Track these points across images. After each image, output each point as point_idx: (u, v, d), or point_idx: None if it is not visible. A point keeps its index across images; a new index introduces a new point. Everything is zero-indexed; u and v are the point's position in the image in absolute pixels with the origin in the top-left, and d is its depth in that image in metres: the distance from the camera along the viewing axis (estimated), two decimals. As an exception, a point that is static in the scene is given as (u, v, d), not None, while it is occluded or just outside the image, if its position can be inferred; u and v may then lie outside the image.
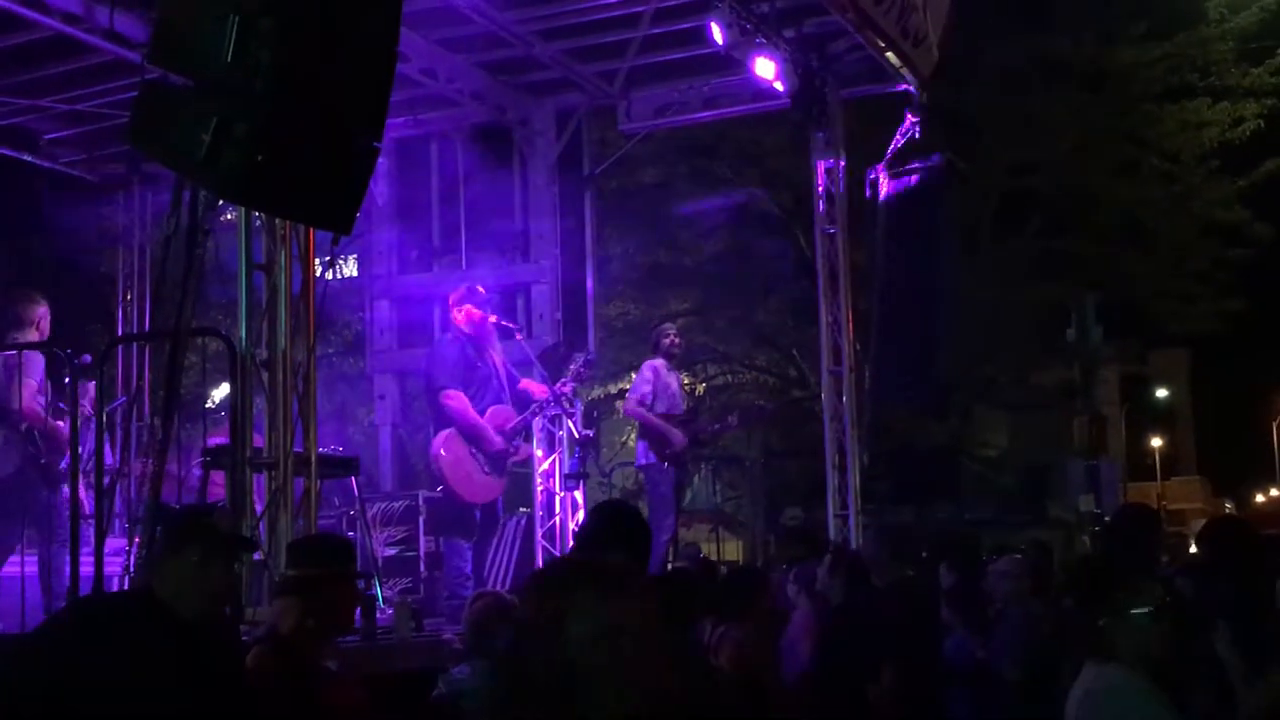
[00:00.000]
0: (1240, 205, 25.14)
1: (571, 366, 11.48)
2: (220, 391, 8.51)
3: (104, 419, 8.63)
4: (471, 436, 10.48)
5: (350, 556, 5.31)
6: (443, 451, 10.43)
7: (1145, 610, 3.96)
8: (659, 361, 12.06)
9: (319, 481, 7.71)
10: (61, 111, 12.76)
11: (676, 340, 12.41)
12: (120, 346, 12.22)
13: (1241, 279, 26.25)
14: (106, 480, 8.27)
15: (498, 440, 10.61)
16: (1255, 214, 25.24)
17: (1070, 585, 4.47)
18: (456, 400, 10.46)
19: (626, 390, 14.61)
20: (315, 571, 5.04)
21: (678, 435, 11.78)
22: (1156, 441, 52.99)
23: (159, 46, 5.89)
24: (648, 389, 11.88)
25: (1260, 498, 48.94)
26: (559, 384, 11.11)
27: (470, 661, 5.97)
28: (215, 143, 5.48)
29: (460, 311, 10.81)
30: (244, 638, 5.35)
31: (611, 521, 5.14)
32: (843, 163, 13.54)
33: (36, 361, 8.92)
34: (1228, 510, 41.71)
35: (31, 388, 8.83)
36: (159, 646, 4.19)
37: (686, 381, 13.92)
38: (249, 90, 5.50)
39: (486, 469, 10.57)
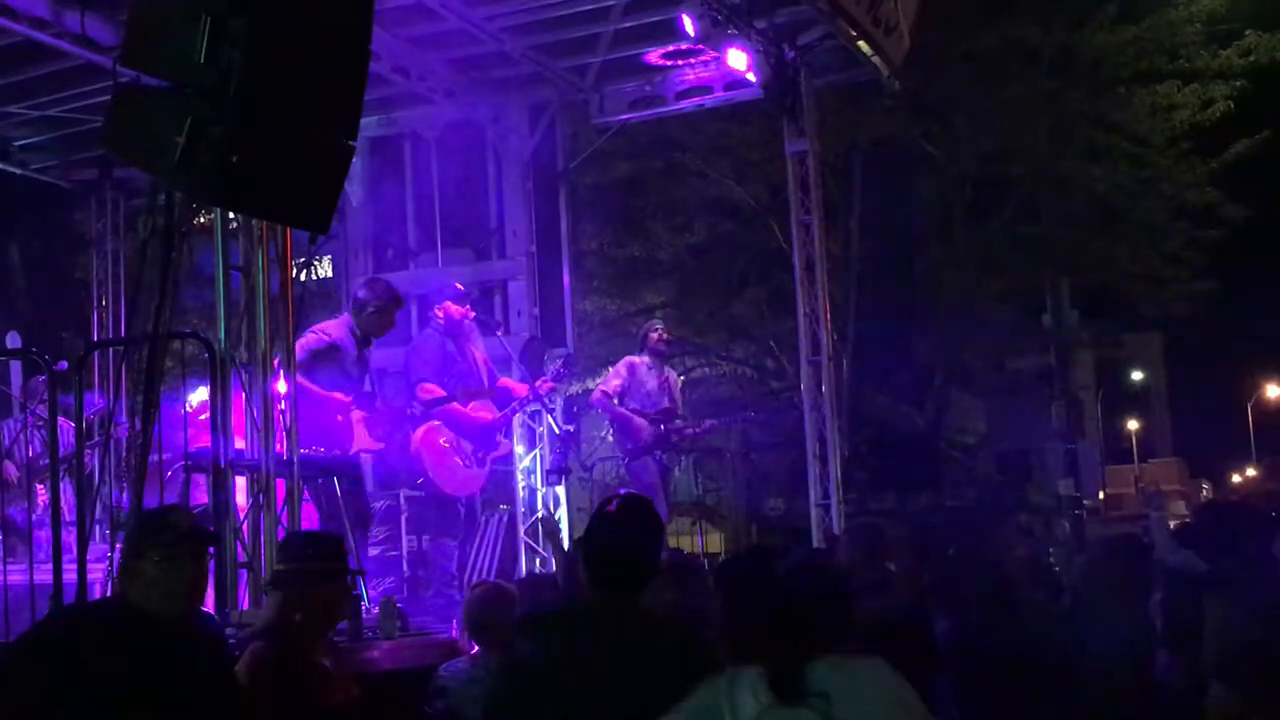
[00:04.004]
0: (1211, 187, 25.19)
1: (550, 367, 11.46)
2: (198, 395, 8.44)
3: (83, 425, 8.58)
4: (451, 423, 10.45)
5: (341, 553, 5.30)
6: (423, 443, 10.36)
7: None
8: (640, 359, 11.99)
9: (301, 483, 7.70)
10: (32, 118, 12.71)
11: (664, 338, 12.31)
12: (96, 352, 12.17)
13: (1214, 260, 26.34)
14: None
15: (481, 418, 10.60)
16: (1227, 195, 25.31)
17: None
18: (432, 393, 10.44)
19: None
20: (305, 566, 5.05)
21: (640, 425, 11.70)
22: (1133, 424, 53.13)
23: (131, 48, 5.88)
24: (617, 382, 11.84)
25: (1237, 478, 49.03)
26: (539, 383, 11.07)
27: (467, 656, 6.02)
28: (189, 145, 5.47)
29: (440, 309, 10.82)
30: (230, 638, 5.34)
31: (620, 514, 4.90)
32: (817, 152, 13.52)
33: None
34: (1204, 492, 41.76)
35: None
36: (134, 651, 4.18)
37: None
38: (222, 91, 5.48)
39: (467, 461, 10.55)
